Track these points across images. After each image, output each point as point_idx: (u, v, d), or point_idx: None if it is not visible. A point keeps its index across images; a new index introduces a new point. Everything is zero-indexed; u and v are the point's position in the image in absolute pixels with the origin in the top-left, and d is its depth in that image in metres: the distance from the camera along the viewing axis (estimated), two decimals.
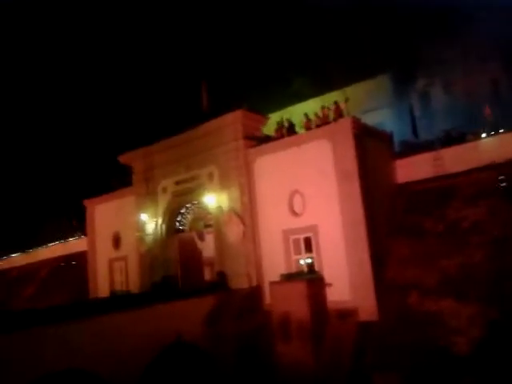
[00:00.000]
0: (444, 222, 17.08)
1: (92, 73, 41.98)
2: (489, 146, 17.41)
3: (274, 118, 22.44)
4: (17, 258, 40.51)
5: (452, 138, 18.98)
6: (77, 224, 32.64)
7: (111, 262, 26.64)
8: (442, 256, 16.05)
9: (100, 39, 40.66)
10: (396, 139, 21.11)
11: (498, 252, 15.02)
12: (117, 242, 26.48)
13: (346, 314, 16.34)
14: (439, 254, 16.17)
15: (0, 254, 42.12)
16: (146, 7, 38.55)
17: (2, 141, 44.96)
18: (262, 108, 22.56)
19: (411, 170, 19.13)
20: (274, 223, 19.33)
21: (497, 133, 17.49)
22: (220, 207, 20.94)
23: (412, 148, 20.52)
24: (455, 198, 17.47)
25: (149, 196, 24.27)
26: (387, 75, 28.13)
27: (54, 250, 36.06)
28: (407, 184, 19.02)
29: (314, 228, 18.09)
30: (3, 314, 18.50)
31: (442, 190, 17.96)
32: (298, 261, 18.73)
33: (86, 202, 28.59)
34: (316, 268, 17.99)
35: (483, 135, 17.74)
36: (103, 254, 27.16)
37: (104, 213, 27.62)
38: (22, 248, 39.90)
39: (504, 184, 16.39)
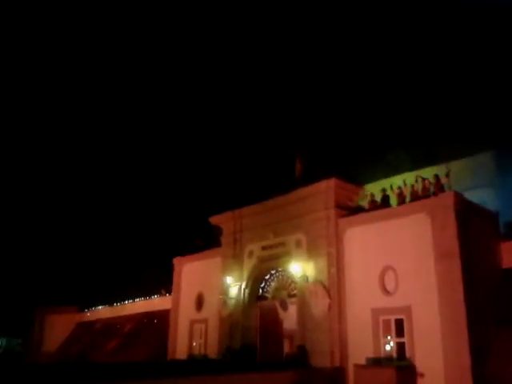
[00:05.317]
0: None
1: (192, 137, 44.62)
2: None
3: (368, 189, 21.80)
4: (102, 311, 41.53)
5: None
6: (163, 282, 33.19)
7: (192, 323, 26.43)
8: None
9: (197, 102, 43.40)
10: (501, 220, 19.39)
11: None
12: (200, 303, 26.35)
13: None
14: None
15: (87, 305, 43.59)
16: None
17: (99, 197, 48.30)
18: (356, 179, 22.08)
19: None
20: (362, 300, 18.14)
21: None
22: (305, 277, 20.21)
23: None
24: None
25: (235, 259, 24.22)
26: (490, 152, 26.52)
27: (138, 306, 36.66)
28: None
29: (406, 309, 16.64)
30: (85, 365, 18.81)
31: None
32: (387, 344, 17.23)
33: (175, 260, 28.87)
34: (407, 354, 16.38)
35: None
36: (185, 314, 27.10)
37: (190, 272, 27.87)
38: (108, 301, 41.04)
39: None
